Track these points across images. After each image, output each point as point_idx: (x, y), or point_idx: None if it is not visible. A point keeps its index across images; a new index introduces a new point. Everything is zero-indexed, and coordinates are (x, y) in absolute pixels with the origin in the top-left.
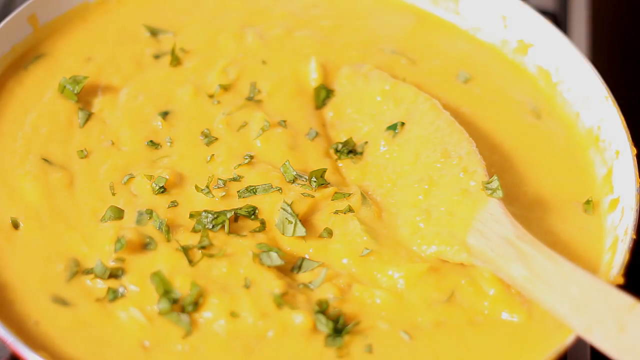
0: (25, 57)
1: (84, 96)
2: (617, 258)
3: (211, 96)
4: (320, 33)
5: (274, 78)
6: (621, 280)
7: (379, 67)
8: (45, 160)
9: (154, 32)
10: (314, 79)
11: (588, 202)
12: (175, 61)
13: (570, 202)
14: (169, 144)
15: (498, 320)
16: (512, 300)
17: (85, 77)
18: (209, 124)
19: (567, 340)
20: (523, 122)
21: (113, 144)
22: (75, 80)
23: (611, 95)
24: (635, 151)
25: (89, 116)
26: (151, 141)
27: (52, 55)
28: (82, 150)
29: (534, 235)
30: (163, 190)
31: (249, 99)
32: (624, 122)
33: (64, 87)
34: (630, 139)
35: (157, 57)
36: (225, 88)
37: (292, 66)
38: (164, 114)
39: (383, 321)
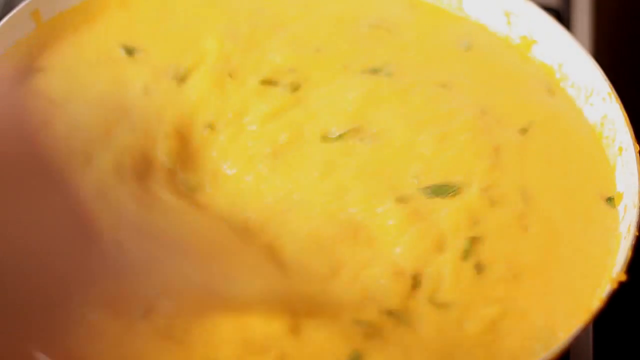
0: (28, 69)
1: None
2: (620, 255)
3: None
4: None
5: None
6: (624, 278)
7: (355, 41)
8: None
9: (129, 51)
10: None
11: (610, 198)
12: None
13: (593, 196)
14: None
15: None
16: None
17: None
18: None
19: (568, 339)
20: (538, 99)
21: None
22: None
23: (614, 92)
24: (638, 148)
25: None
26: None
27: (45, 72)
28: None
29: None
30: None
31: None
32: (627, 119)
33: None
34: (634, 135)
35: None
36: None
37: None
38: None
39: None
